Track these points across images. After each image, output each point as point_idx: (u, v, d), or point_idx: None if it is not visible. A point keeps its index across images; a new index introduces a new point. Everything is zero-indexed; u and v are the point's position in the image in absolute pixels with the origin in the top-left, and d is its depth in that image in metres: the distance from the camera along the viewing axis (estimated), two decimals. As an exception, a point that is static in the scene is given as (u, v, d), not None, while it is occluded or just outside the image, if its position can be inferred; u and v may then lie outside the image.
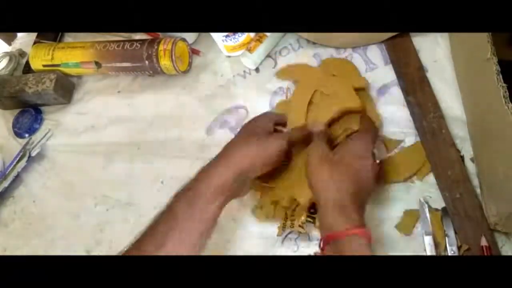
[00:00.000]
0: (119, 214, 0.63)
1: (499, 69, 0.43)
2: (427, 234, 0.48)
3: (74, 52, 0.72)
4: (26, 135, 0.75)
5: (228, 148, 0.50)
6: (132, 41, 0.68)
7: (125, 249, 0.45)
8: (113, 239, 0.62)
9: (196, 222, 0.46)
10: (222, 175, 0.47)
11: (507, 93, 0.42)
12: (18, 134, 0.76)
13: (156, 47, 0.65)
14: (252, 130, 0.52)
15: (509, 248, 0.46)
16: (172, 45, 0.65)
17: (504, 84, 0.42)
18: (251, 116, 0.62)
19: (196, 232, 0.46)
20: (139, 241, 0.45)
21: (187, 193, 0.47)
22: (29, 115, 0.76)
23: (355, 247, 0.41)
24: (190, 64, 0.69)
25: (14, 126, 0.76)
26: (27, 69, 0.79)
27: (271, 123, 0.53)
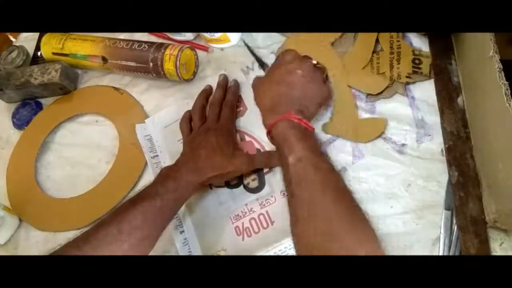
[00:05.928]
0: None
1: (501, 67, 0.43)
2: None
3: (84, 44, 0.72)
4: (25, 127, 0.75)
5: (199, 156, 0.53)
6: (141, 42, 0.68)
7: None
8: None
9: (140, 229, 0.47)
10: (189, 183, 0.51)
11: (509, 90, 0.42)
12: (17, 126, 0.76)
13: (163, 51, 0.66)
14: (215, 141, 0.54)
15: (508, 245, 0.46)
16: (179, 51, 0.65)
17: (505, 82, 0.43)
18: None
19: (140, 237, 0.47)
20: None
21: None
22: (29, 107, 0.76)
23: (280, 130, 0.50)
24: (194, 74, 0.69)
25: (13, 116, 0.76)
26: (34, 63, 0.80)
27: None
